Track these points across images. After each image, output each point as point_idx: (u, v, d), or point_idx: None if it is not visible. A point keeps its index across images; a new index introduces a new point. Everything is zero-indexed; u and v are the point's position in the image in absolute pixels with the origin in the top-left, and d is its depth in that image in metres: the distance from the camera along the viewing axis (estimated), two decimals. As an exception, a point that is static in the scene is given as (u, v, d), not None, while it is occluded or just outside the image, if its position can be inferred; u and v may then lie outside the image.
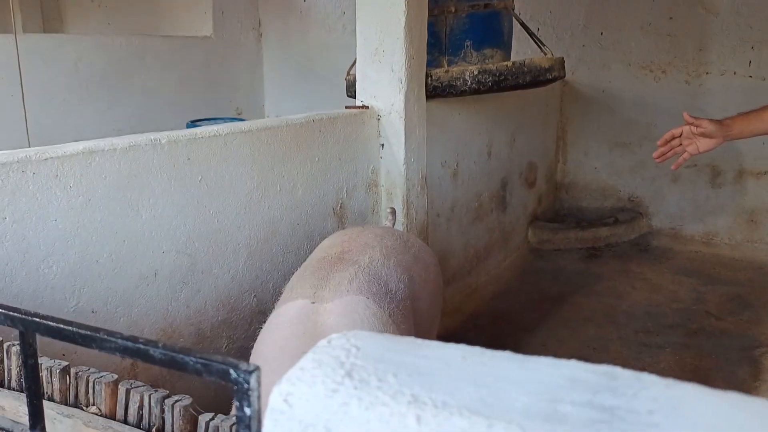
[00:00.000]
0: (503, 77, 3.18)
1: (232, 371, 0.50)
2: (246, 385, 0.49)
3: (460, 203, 3.75)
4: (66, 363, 0.83)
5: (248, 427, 0.48)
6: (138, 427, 0.76)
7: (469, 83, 3.14)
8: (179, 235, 2.05)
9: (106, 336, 0.56)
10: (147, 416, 0.76)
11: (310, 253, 2.28)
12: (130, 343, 0.55)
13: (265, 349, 1.72)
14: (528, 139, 4.68)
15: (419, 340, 0.56)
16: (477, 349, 0.52)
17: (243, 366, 0.50)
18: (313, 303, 1.79)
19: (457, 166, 3.69)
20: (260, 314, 2.40)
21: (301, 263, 2.21)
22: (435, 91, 3.15)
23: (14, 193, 1.63)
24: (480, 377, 0.43)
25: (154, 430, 0.75)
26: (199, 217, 2.11)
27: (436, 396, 0.41)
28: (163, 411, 0.75)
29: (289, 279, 2.12)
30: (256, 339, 1.90)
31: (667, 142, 2.32)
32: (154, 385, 0.89)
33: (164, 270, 2.02)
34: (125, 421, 0.77)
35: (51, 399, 0.82)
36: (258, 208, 2.33)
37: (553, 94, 5.12)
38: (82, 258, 1.80)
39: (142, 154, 1.92)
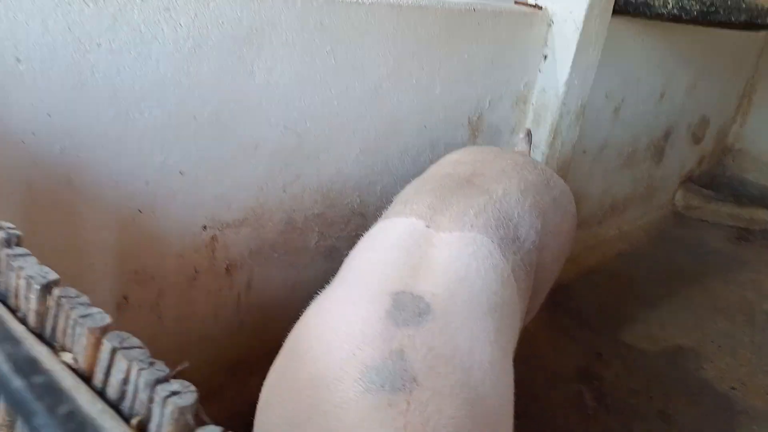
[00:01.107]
0: (714, 9, 2.59)
1: None
2: None
3: (612, 144, 3.26)
4: (54, 276, 0.58)
5: None
6: (117, 406, 0.51)
7: (669, 7, 2.58)
8: (291, 110, 1.78)
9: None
10: (131, 396, 0.51)
11: (431, 164, 1.96)
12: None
13: (361, 264, 1.46)
14: (708, 88, 4.00)
15: None
16: None
17: None
18: (428, 227, 1.49)
19: (622, 101, 3.17)
20: (360, 216, 2.14)
21: (419, 173, 1.90)
22: (625, 6, 2.61)
23: (115, 18, 1.39)
24: None
25: (134, 421, 0.50)
26: (318, 95, 1.82)
27: None
28: (152, 399, 0.50)
29: (403, 188, 1.82)
30: (351, 243, 1.64)
31: None
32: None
33: (267, 145, 1.77)
34: (102, 393, 0.53)
35: (24, 322, 0.58)
36: (385, 99, 2.01)
37: (753, 44, 4.32)
38: (179, 111, 1.57)
39: (270, 7, 1.62)
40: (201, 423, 0.50)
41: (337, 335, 1.18)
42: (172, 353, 1.86)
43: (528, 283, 1.59)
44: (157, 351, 1.85)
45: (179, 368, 0.58)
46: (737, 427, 2.45)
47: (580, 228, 3.35)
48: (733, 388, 2.67)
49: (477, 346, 1.21)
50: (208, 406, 1.93)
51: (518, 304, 1.49)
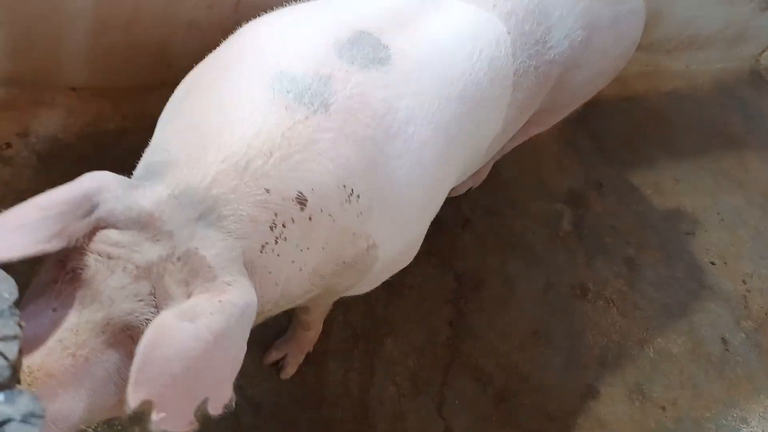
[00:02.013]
0: None
1: None
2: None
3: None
4: None
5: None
6: None
7: None
8: None
9: None
10: None
11: None
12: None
13: None
14: None
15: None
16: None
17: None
18: (447, -15, 1.27)
19: None
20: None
21: None
22: None
23: None
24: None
25: None
26: None
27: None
28: None
29: None
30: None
31: None
32: None
33: None
34: None
35: None
36: None
37: None
38: None
39: None
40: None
41: (274, 39, 1.10)
42: (156, 35, 1.74)
43: (532, 94, 1.40)
44: (138, 30, 1.69)
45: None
46: (695, 299, 2.43)
47: (644, 50, 3.01)
48: (712, 263, 2.60)
49: (417, 122, 1.10)
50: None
51: (503, 111, 1.32)
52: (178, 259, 0.85)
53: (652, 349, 2.23)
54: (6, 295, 0.69)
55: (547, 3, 1.37)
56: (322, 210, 0.98)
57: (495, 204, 2.36)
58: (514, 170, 2.47)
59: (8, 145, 1.69)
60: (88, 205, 0.84)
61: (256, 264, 0.93)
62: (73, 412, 0.81)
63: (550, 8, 1.37)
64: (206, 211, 0.89)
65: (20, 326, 0.68)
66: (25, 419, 0.61)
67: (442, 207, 2.24)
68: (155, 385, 0.76)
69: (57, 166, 1.70)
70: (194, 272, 0.85)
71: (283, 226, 0.95)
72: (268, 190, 0.93)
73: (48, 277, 0.84)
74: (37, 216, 0.80)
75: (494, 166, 2.32)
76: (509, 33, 1.27)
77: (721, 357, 2.31)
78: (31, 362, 0.78)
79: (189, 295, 0.84)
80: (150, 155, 1.02)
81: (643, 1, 1.73)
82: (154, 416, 0.76)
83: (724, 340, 2.36)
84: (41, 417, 0.62)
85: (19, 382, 0.71)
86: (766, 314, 2.53)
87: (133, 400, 0.74)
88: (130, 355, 0.81)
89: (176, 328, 0.78)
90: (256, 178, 0.92)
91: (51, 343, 0.80)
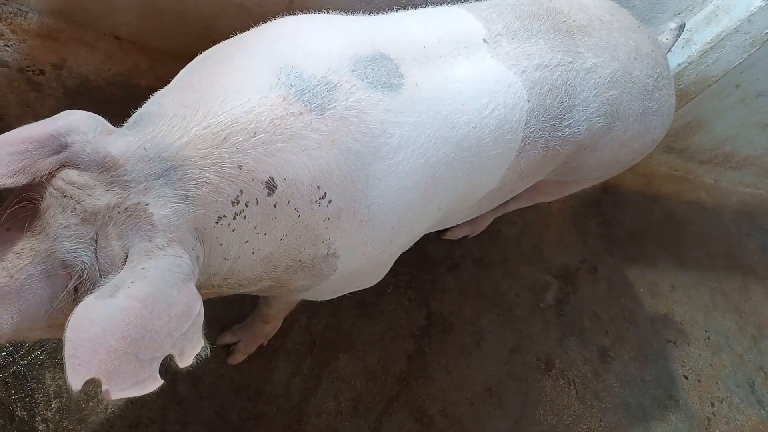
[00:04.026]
0: None
1: None
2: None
3: (773, 96, 2.79)
4: None
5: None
6: None
7: None
8: None
9: None
10: None
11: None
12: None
13: (394, 20, 1.30)
14: None
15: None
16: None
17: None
18: (485, 41, 1.30)
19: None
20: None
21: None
22: None
23: None
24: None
25: None
26: None
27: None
28: None
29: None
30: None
31: None
32: None
33: None
34: None
35: None
36: None
37: None
38: None
39: None
40: None
41: (298, 35, 1.13)
42: (207, 9, 1.80)
43: (537, 164, 1.41)
44: (191, 0, 1.73)
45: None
46: (657, 406, 2.40)
47: (678, 154, 3.03)
48: (685, 377, 2.57)
49: (407, 152, 1.12)
50: None
51: (501, 171, 1.34)
52: (126, 209, 0.87)
53: (599, 442, 2.22)
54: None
55: (576, 84, 1.38)
56: (289, 202, 1.01)
57: (487, 257, 2.38)
58: (515, 230, 2.49)
59: (41, 72, 1.77)
60: (56, 145, 0.87)
61: (208, 233, 0.95)
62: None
63: (578, 88, 1.38)
64: (170, 170, 0.90)
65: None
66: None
67: (433, 246, 2.29)
68: (91, 365, 0.76)
69: (80, 103, 1.77)
70: (136, 227, 0.87)
71: (246, 205, 0.97)
72: (240, 166, 0.94)
73: (9, 201, 0.88)
74: (3, 152, 0.83)
75: (496, 222, 2.34)
76: (528, 101, 1.29)
77: (666, 470, 2.28)
78: None
79: (126, 250, 0.86)
80: (145, 105, 1.05)
81: (674, 103, 1.74)
82: (103, 388, 0.76)
83: (674, 455, 2.33)
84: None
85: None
86: (725, 442, 2.49)
87: (74, 384, 0.74)
88: (63, 289, 0.85)
89: (97, 307, 0.79)
90: (232, 152, 0.94)
91: None
